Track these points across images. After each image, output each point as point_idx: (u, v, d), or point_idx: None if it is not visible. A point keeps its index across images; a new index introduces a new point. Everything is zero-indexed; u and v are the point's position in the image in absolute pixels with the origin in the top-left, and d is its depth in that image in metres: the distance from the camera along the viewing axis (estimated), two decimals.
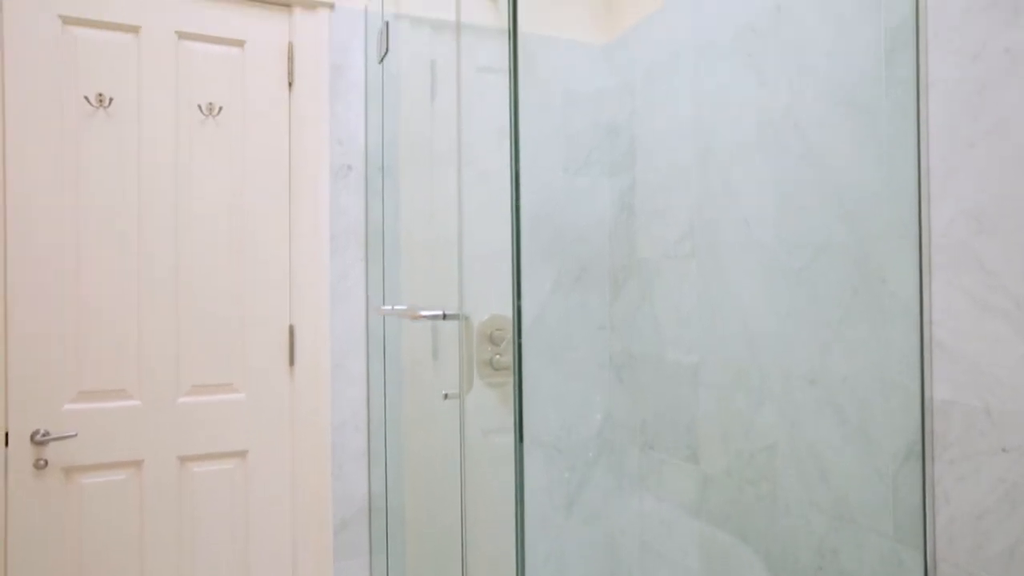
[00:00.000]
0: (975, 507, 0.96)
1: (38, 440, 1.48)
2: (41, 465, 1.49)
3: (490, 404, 1.31)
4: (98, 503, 1.55)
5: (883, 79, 1.09)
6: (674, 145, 1.62)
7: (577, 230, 1.87)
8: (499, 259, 1.08)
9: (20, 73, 1.49)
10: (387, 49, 1.64)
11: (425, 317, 1.22)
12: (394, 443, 1.67)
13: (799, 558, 1.25)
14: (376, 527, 1.74)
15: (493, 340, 1.41)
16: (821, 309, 1.21)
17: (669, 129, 1.64)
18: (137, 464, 1.58)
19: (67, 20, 1.53)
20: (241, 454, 1.67)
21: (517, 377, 1.06)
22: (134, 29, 1.58)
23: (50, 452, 1.50)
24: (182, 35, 1.62)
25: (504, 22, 1.05)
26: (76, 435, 1.51)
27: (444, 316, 1.23)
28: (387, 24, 1.64)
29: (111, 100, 1.56)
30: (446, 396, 1.33)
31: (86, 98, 1.54)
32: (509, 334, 1.27)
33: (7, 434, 1.47)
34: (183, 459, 1.62)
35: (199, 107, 1.64)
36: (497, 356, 1.40)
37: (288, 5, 1.71)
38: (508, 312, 1.06)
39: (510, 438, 1.06)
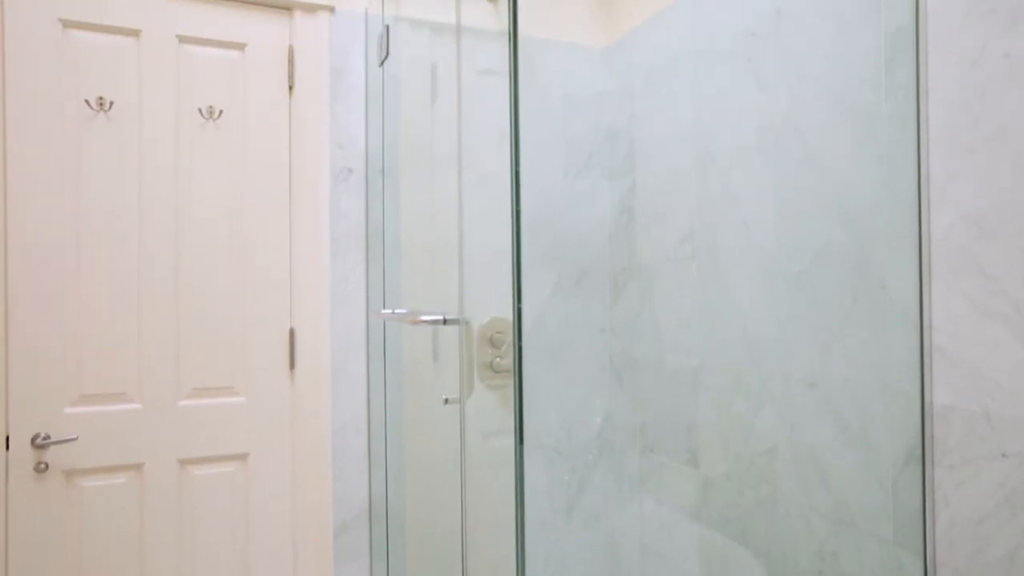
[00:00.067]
0: (975, 512, 0.96)
1: (39, 444, 1.48)
2: (42, 469, 1.49)
3: (490, 407, 1.31)
4: (98, 506, 1.55)
5: (883, 84, 1.09)
6: (674, 149, 1.63)
7: (577, 233, 1.87)
8: (499, 262, 1.08)
9: (21, 76, 1.49)
10: (387, 53, 1.64)
11: (425, 322, 1.22)
12: (395, 445, 1.68)
13: (799, 562, 1.25)
14: (376, 530, 1.74)
15: (493, 343, 1.41)
16: (821, 313, 1.21)
17: (669, 132, 1.64)
18: (138, 467, 1.58)
19: (67, 23, 1.53)
20: (241, 457, 1.67)
21: (517, 380, 1.06)
22: (135, 32, 1.58)
23: (51, 456, 1.51)
24: (182, 39, 1.63)
25: (504, 25, 1.05)
26: (77, 439, 1.51)
27: (444, 321, 1.23)
28: (387, 27, 1.64)
29: (111, 103, 1.56)
30: (447, 401, 1.33)
31: (87, 101, 1.54)
32: (509, 337, 1.27)
33: (8, 438, 1.47)
34: (183, 462, 1.62)
35: (199, 110, 1.64)
36: (497, 359, 1.40)
37: (288, 8, 1.72)
38: (508, 315, 1.06)
39: (510, 441, 1.06)
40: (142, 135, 1.59)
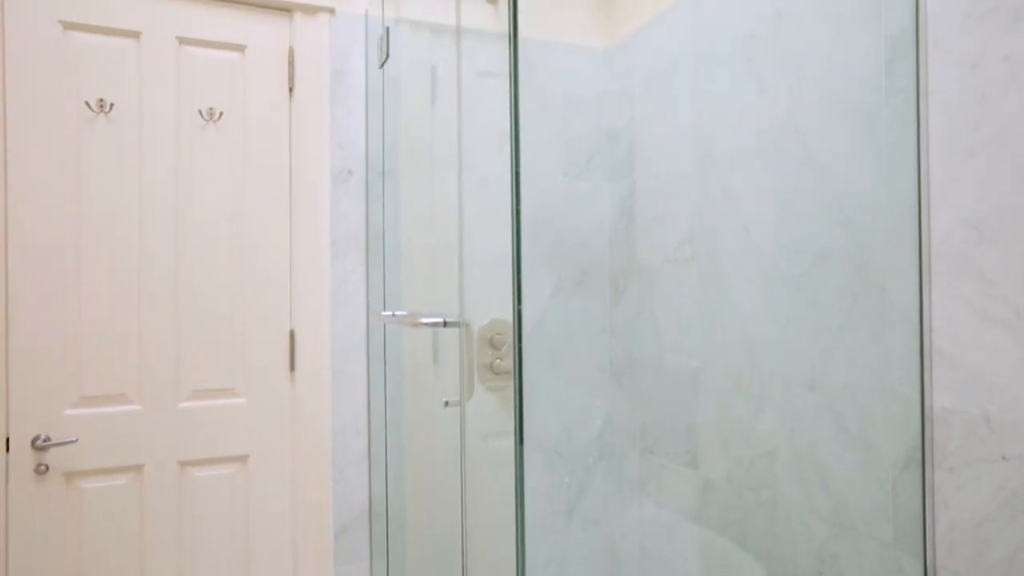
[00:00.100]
0: (975, 515, 0.96)
1: (39, 446, 1.48)
2: (42, 470, 1.49)
3: (490, 408, 1.31)
4: (99, 508, 1.55)
5: (883, 87, 1.09)
6: (674, 150, 1.63)
7: (578, 234, 1.87)
8: (500, 263, 1.08)
9: (21, 78, 1.49)
10: (388, 54, 1.64)
11: (425, 324, 1.22)
12: (395, 447, 1.68)
13: (799, 564, 1.25)
14: (376, 531, 1.74)
15: (493, 344, 1.41)
16: (821, 316, 1.21)
17: (669, 134, 1.64)
18: (138, 469, 1.58)
19: (68, 25, 1.53)
20: (242, 459, 1.67)
21: (517, 381, 1.06)
22: (135, 34, 1.58)
23: (51, 457, 1.51)
24: (183, 40, 1.63)
25: (504, 26, 1.05)
26: (77, 440, 1.51)
27: (445, 323, 1.23)
28: (387, 30, 1.64)
29: (112, 105, 1.56)
30: (447, 404, 1.33)
31: (87, 103, 1.54)
32: (509, 338, 1.27)
33: (8, 440, 1.47)
34: (184, 464, 1.62)
35: (200, 112, 1.64)
36: (497, 360, 1.40)
37: (289, 10, 1.72)
38: (508, 316, 1.06)
39: (510, 442, 1.06)
40: (142, 137, 1.59)
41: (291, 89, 1.72)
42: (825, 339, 1.20)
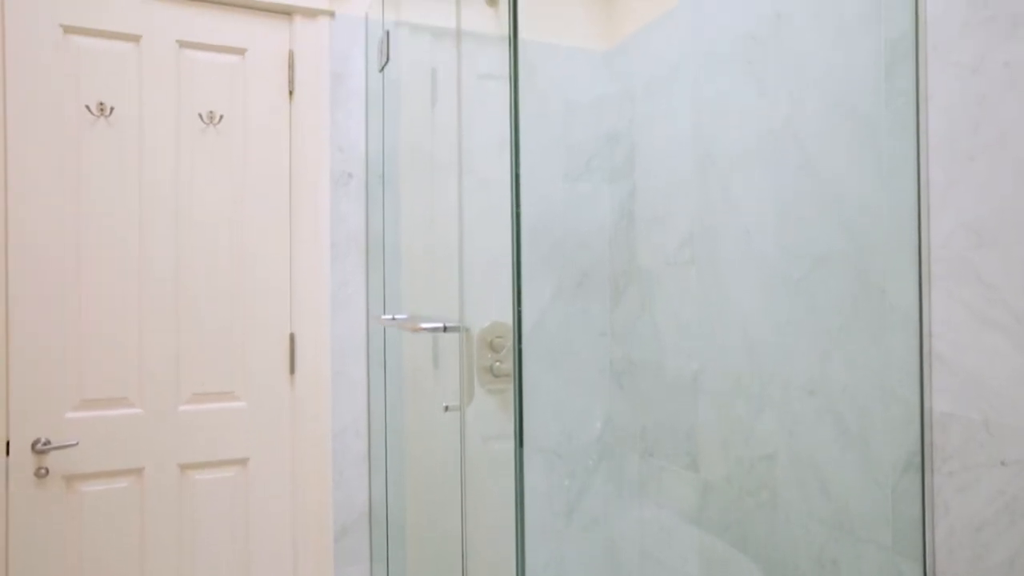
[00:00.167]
0: (974, 519, 0.96)
1: (39, 449, 1.48)
2: (42, 474, 1.49)
3: (490, 411, 1.31)
4: (99, 511, 1.55)
5: (883, 91, 1.09)
6: (674, 153, 1.63)
7: (578, 237, 1.87)
8: (500, 266, 1.08)
9: (21, 82, 1.49)
10: (388, 57, 1.64)
11: (425, 329, 1.22)
12: (395, 450, 1.68)
13: (798, 568, 1.25)
14: (376, 533, 1.75)
15: (493, 347, 1.41)
16: (821, 319, 1.21)
17: (669, 137, 1.65)
18: (138, 472, 1.59)
19: (68, 29, 1.53)
20: (242, 462, 1.67)
21: (517, 384, 1.06)
22: (135, 38, 1.58)
23: (51, 460, 1.51)
24: (183, 44, 1.63)
25: (504, 29, 1.05)
26: (77, 444, 1.52)
27: (445, 328, 1.23)
28: (388, 33, 1.64)
29: (112, 109, 1.56)
30: (447, 408, 1.33)
31: (87, 107, 1.54)
32: (509, 341, 1.27)
33: (8, 443, 1.47)
34: (184, 467, 1.62)
35: (200, 115, 1.64)
36: (497, 363, 1.40)
37: (289, 13, 1.72)
38: (509, 319, 1.06)
39: (510, 444, 1.06)
40: (142, 140, 1.59)
41: (291, 92, 1.72)
42: (825, 342, 1.20)
